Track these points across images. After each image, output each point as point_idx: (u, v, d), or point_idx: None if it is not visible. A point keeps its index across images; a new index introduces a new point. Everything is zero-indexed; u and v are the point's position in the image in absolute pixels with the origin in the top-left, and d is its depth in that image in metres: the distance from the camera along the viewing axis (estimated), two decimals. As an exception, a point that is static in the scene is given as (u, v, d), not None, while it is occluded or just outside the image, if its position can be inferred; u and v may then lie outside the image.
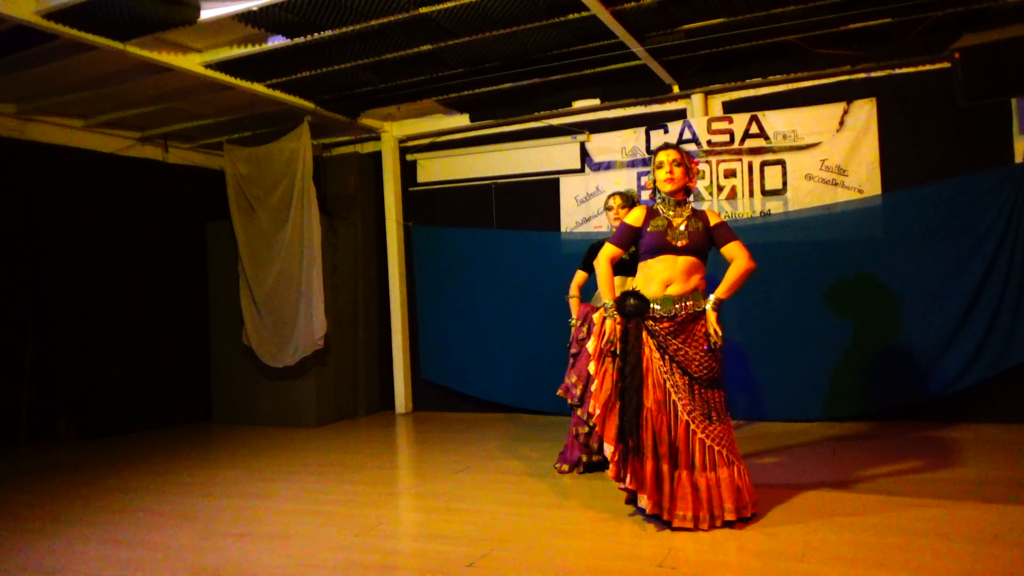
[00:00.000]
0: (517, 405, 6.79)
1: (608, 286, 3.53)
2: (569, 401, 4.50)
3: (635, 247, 3.63)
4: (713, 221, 3.53)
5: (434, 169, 7.38)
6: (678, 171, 3.49)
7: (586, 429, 4.41)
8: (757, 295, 5.51)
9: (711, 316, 3.38)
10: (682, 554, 3.02)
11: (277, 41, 5.08)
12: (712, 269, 3.59)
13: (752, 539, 3.16)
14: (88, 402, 6.51)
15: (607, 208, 4.60)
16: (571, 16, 4.81)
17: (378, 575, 3.01)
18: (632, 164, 6.48)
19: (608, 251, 3.59)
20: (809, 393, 5.71)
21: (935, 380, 5.40)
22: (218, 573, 3.09)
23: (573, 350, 4.54)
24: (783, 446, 4.93)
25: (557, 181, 6.79)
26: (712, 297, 3.41)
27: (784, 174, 5.96)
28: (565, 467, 4.51)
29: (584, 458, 4.46)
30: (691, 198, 3.60)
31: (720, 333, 3.35)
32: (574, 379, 4.46)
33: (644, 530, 3.33)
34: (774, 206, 5.98)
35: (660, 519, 3.29)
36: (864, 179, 5.74)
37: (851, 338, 5.62)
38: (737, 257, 3.46)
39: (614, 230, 4.54)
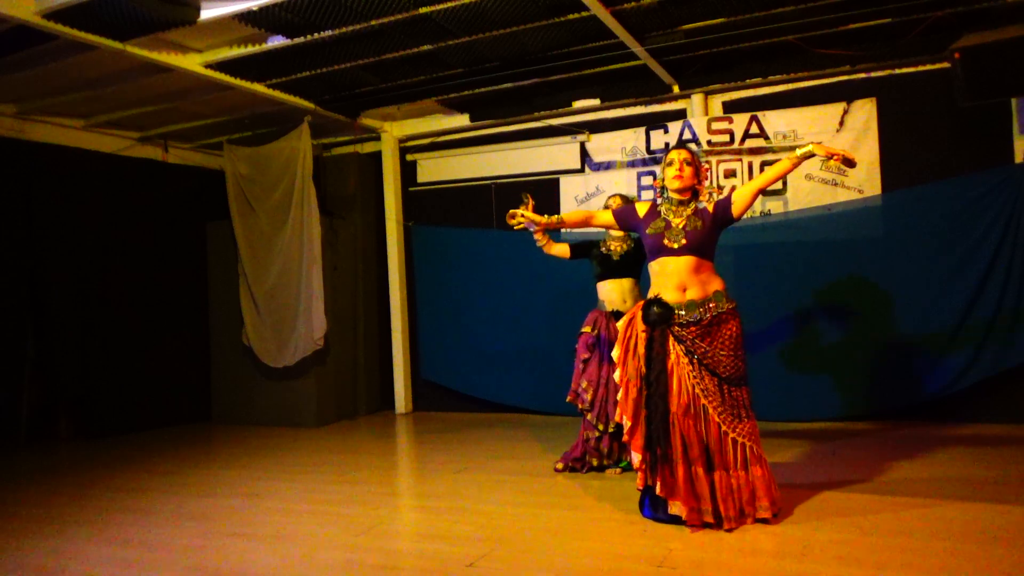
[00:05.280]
0: (517, 405, 6.79)
1: (572, 218, 3.85)
2: (579, 407, 4.51)
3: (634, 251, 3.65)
4: (711, 206, 3.54)
5: (434, 169, 7.38)
6: (688, 170, 3.52)
7: (596, 434, 4.42)
8: (757, 295, 5.51)
9: (821, 148, 3.34)
10: (682, 554, 3.02)
11: (277, 41, 5.08)
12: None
13: (752, 539, 3.16)
14: (88, 402, 6.51)
15: (606, 208, 4.60)
16: (571, 16, 4.82)
17: (378, 575, 3.02)
18: (632, 164, 6.48)
19: (602, 213, 3.83)
20: (809, 393, 5.70)
21: (935, 380, 5.39)
22: (218, 573, 3.09)
23: (584, 355, 4.53)
24: (783, 446, 4.92)
25: (557, 181, 6.78)
26: (809, 147, 3.37)
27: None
28: (560, 464, 4.53)
29: (595, 462, 4.45)
30: (695, 200, 3.59)
31: (840, 153, 3.32)
32: (584, 384, 4.47)
33: (644, 530, 3.33)
34: (774, 206, 5.97)
35: (699, 524, 3.25)
36: (864, 179, 5.73)
37: (851, 338, 5.62)
38: (752, 178, 3.42)
39: (611, 232, 4.58)
